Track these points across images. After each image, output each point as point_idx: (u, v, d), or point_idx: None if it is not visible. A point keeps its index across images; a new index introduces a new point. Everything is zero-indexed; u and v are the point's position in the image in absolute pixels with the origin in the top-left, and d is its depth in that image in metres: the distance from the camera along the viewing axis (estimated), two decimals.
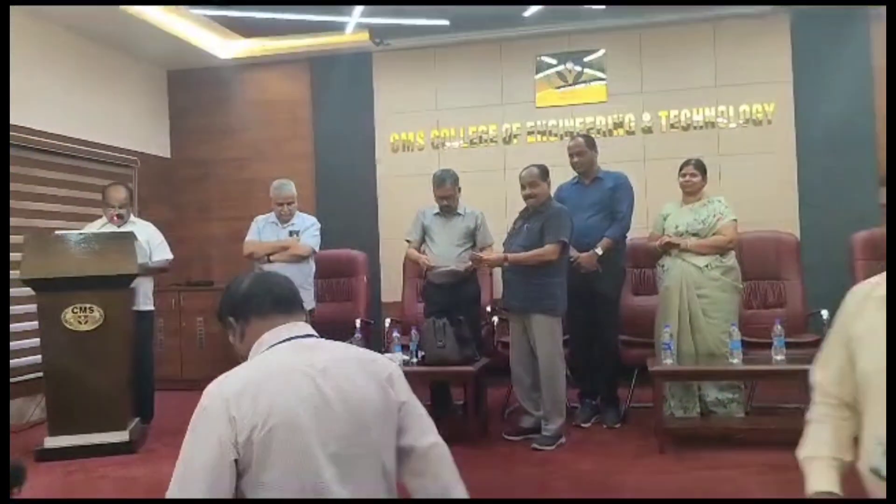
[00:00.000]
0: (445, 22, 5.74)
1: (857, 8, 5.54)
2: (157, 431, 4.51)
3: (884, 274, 1.62)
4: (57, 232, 4.64)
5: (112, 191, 4.78)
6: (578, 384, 4.71)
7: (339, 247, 5.75)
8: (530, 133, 6.18)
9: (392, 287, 6.13)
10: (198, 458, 1.42)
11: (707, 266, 4.31)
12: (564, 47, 6.12)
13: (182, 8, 5.70)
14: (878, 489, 1.46)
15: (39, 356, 4.34)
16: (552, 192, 4.45)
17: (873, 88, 5.53)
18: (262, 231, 4.90)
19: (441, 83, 6.34)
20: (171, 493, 1.43)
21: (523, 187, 4.30)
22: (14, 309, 4.72)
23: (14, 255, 4.71)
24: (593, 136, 5.18)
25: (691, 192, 4.51)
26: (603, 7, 5.57)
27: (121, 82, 6.26)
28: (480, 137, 6.28)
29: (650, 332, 4.54)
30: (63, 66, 5.62)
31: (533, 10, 5.53)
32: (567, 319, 4.41)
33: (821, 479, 1.56)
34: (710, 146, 5.77)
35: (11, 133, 4.86)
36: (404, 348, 4.44)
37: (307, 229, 4.88)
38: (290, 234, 4.85)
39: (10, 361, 4.76)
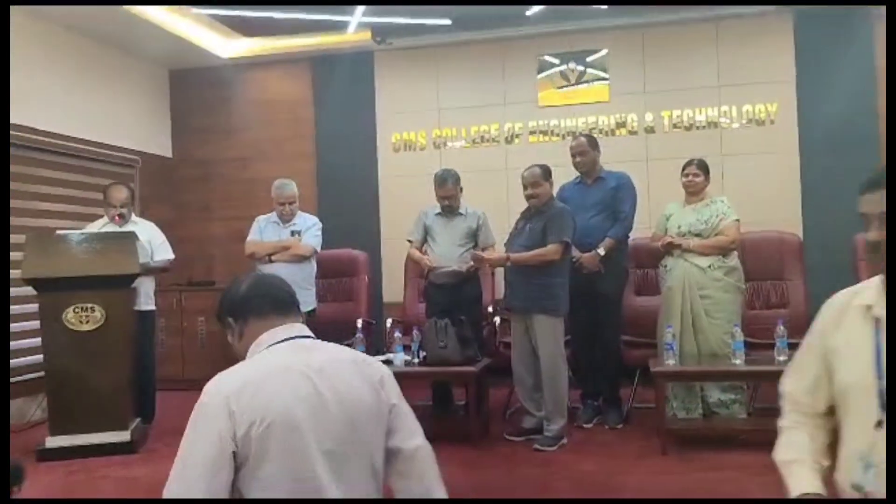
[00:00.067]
0: (447, 21, 5.74)
1: (860, 8, 5.53)
2: (158, 431, 4.51)
3: (863, 283, 1.60)
4: (58, 231, 4.63)
5: (113, 190, 4.77)
6: (580, 385, 4.69)
7: (340, 247, 5.74)
8: (532, 133, 6.17)
9: (394, 287, 6.12)
10: (198, 452, 1.45)
11: (710, 266, 4.30)
12: (567, 47, 6.11)
13: (183, 7, 5.70)
14: None
15: (41, 356, 4.34)
16: (554, 192, 4.43)
17: (876, 88, 5.52)
18: (264, 231, 4.89)
19: (443, 83, 6.33)
20: (169, 487, 1.46)
21: (525, 187, 4.29)
22: (15, 308, 4.72)
23: (15, 255, 4.71)
24: (596, 135, 5.17)
25: (694, 193, 4.50)
26: (605, 7, 5.57)
27: (122, 82, 6.26)
28: (482, 137, 6.27)
29: (652, 332, 4.53)
30: (64, 65, 5.62)
31: (535, 9, 5.53)
32: (569, 320, 4.40)
33: (806, 480, 1.54)
34: (713, 146, 5.76)
35: (13, 132, 4.87)
36: (406, 348, 4.43)
37: (309, 229, 4.87)
38: (292, 233, 4.84)
39: (12, 361, 4.76)
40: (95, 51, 5.93)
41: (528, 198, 4.30)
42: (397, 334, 4.51)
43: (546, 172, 4.30)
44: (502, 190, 5.92)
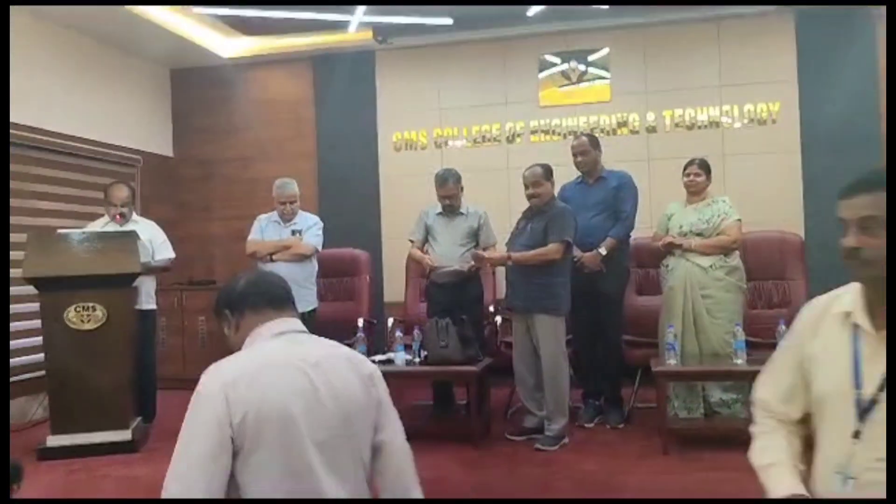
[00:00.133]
0: (449, 21, 5.73)
1: (861, 8, 5.51)
2: (159, 431, 4.50)
3: (842, 288, 1.57)
4: (59, 231, 4.63)
5: (114, 189, 4.77)
6: (582, 384, 4.69)
7: (341, 246, 5.74)
8: (533, 132, 6.17)
9: (395, 286, 6.12)
10: (198, 438, 1.49)
11: (711, 266, 4.29)
12: (568, 46, 6.10)
13: (185, 7, 5.70)
14: None
15: (42, 355, 4.34)
16: (556, 191, 4.43)
17: (878, 88, 5.51)
18: (265, 230, 4.89)
19: (444, 82, 6.33)
20: (171, 474, 1.49)
21: (527, 187, 4.29)
22: (16, 308, 4.73)
23: (16, 254, 4.71)
24: (597, 135, 5.16)
25: (695, 192, 4.49)
26: (607, 6, 5.56)
27: (123, 81, 6.26)
28: (483, 136, 6.26)
29: (654, 332, 4.52)
30: (65, 65, 5.62)
31: (536, 9, 5.52)
32: (570, 319, 4.40)
33: (788, 482, 1.52)
34: (715, 146, 5.75)
35: (14, 131, 4.87)
36: (407, 348, 4.43)
37: (310, 228, 4.87)
38: (293, 233, 4.84)
39: (13, 360, 4.77)
40: (96, 50, 5.93)
41: (529, 197, 4.30)
42: (398, 334, 4.51)
43: (547, 172, 4.29)
44: (503, 189, 5.91)
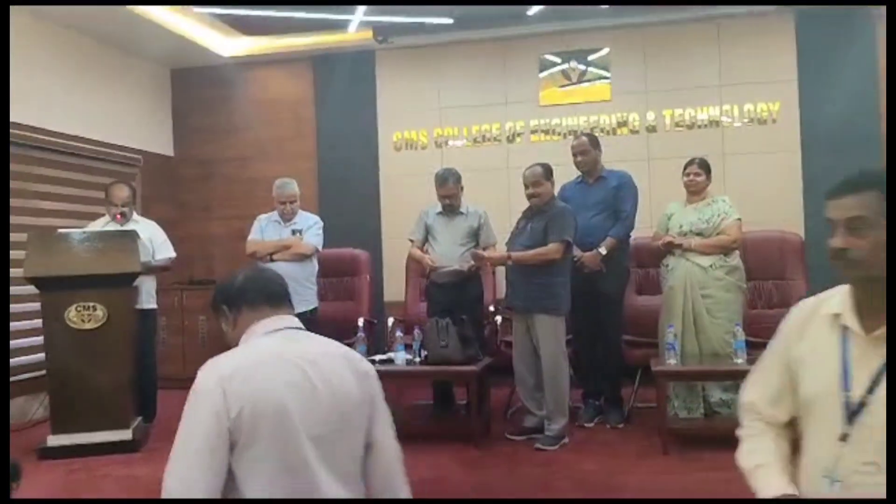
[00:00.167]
0: (449, 20, 5.74)
1: (861, 8, 5.52)
2: (159, 430, 4.50)
3: (831, 291, 1.56)
4: (60, 230, 4.63)
5: (115, 189, 4.78)
6: (582, 384, 4.69)
7: (341, 246, 5.74)
8: (534, 132, 6.17)
9: (395, 286, 6.12)
10: (197, 431, 1.50)
11: (711, 266, 4.29)
12: (568, 46, 6.10)
13: (185, 6, 5.70)
14: None
15: (42, 354, 4.35)
16: (556, 191, 4.43)
17: (878, 88, 5.51)
18: (265, 230, 4.89)
19: (444, 82, 6.33)
20: (171, 466, 1.50)
21: (527, 186, 4.29)
22: (17, 307, 4.73)
23: (17, 254, 4.71)
24: (597, 134, 5.16)
25: (695, 192, 4.49)
26: (606, 6, 5.56)
27: (124, 81, 6.26)
28: (484, 136, 6.26)
29: (654, 331, 4.52)
30: (65, 65, 5.62)
31: (537, 8, 5.53)
32: (570, 319, 4.40)
33: (778, 482, 1.52)
34: (715, 145, 5.75)
35: (14, 131, 4.87)
36: (407, 348, 4.43)
37: (310, 228, 4.87)
38: (293, 232, 4.84)
39: (14, 360, 4.77)
40: (96, 50, 5.93)
41: (529, 197, 4.30)
42: (399, 333, 4.51)
43: (547, 171, 4.29)
44: (503, 189, 5.91)
